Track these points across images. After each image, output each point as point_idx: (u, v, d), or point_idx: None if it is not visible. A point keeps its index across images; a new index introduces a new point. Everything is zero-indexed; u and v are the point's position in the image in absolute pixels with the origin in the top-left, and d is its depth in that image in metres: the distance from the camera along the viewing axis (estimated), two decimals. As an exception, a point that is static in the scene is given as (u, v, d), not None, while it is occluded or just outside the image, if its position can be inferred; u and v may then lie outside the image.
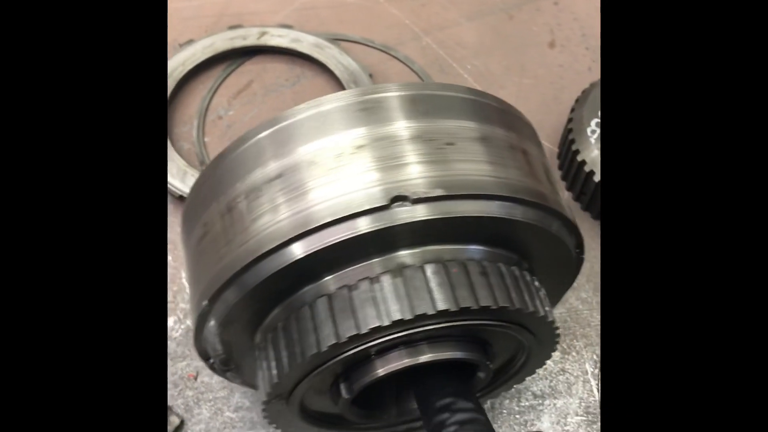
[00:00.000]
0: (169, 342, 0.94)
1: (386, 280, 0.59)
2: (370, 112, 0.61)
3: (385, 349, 0.62)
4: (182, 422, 0.88)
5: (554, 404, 0.89)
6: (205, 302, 0.62)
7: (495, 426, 0.86)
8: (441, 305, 0.58)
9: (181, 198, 1.04)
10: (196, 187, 0.67)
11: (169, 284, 0.98)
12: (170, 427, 0.87)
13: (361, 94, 0.62)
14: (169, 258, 1.01)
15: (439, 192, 0.58)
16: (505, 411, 0.89)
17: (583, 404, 0.89)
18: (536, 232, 0.64)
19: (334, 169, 0.59)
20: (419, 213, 0.58)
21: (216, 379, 0.91)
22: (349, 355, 0.60)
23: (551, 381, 0.91)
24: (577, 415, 0.88)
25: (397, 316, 0.58)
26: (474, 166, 0.61)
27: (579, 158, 1.00)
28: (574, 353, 0.93)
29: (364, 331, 0.58)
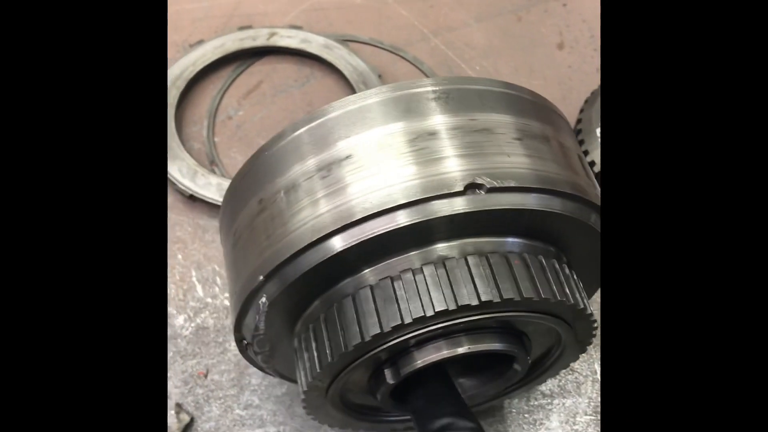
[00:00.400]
0: (179, 340, 0.94)
1: (428, 271, 0.60)
2: (407, 106, 0.62)
3: (424, 341, 0.63)
4: (192, 420, 0.88)
5: (563, 404, 0.89)
6: (261, 277, 0.62)
7: (504, 425, 0.87)
8: (484, 296, 0.58)
9: (191, 197, 1.04)
10: (235, 183, 0.68)
11: (180, 283, 0.99)
12: (180, 425, 0.87)
13: (397, 89, 0.63)
14: (179, 257, 1.01)
15: (511, 183, 0.59)
16: (514, 410, 0.89)
17: (592, 404, 0.89)
18: (574, 225, 0.64)
19: (374, 163, 0.59)
20: (459, 206, 0.58)
21: (226, 377, 0.91)
22: (390, 345, 0.61)
23: (560, 380, 0.91)
24: (586, 414, 0.89)
25: (441, 307, 0.58)
26: (512, 159, 0.61)
27: (588, 159, 1.00)
28: (583, 353, 0.93)
29: (408, 321, 0.58)
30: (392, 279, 0.60)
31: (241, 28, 1.24)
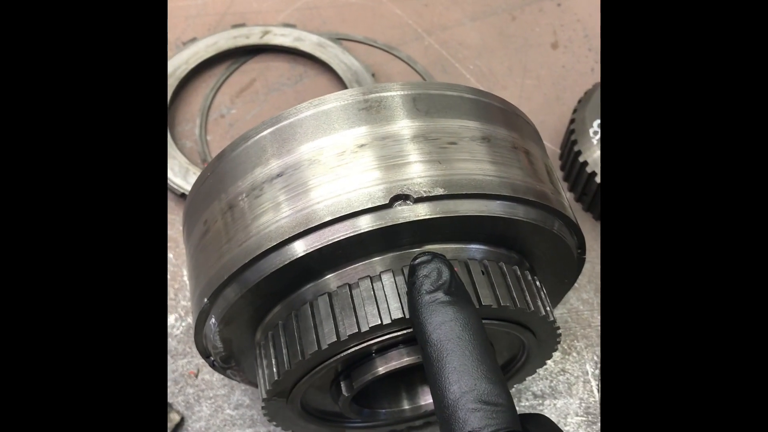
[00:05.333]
0: (170, 339, 0.94)
1: (387, 279, 0.59)
2: (372, 111, 0.61)
3: (385, 348, 0.63)
4: (182, 419, 0.88)
5: (554, 404, 0.89)
6: (205, 300, 0.62)
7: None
8: None
9: (183, 196, 1.04)
10: (198, 185, 0.67)
11: (171, 282, 0.98)
12: (170, 424, 0.87)
13: (363, 93, 0.62)
14: (170, 255, 1.01)
15: (440, 191, 0.58)
16: (504, 411, 0.89)
17: (583, 405, 0.89)
18: (538, 232, 0.64)
19: (336, 167, 0.59)
20: (420, 212, 0.58)
21: (216, 377, 0.91)
22: (349, 354, 0.60)
23: (551, 381, 0.91)
24: (577, 415, 0.88)
25: (398, 315, 0.58)
26: (476, 166, 0.60)
27: (581, 159, 1.00)
28: (574, 354, 0.93)
29: (364, 329, 0.58)
30: (350, 286, 0.60)
31: (235, 26, 1.24)
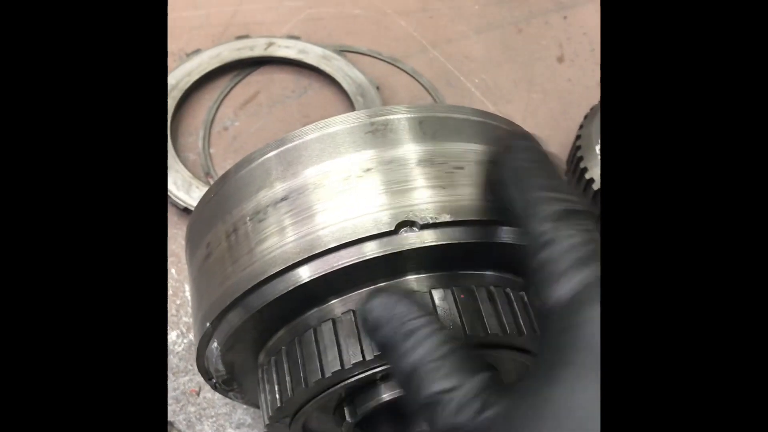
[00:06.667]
0: (171, 356, 0.93)
1: None
2: (378, 134, 0.60)
3: (390, 374, 0.61)
4: (183, 438, 0.87)
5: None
6: (208, 324, 0.61)
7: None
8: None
9: (186, 210, 1.03)
10: (201, 206, 0.66)
11: (173, 298, 0.97)
12: (172, 443, 0.86)
13: (369, 115, 0.61)
14: (173, 271, 1.00)
15: (446, 217, 0.57)
16: None
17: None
18: None
19: (342, 192, 0.58)
20: (427, 238, 0.57)
21: (218, 395, 0.90)
22: (353, 381, 0.59)
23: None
24: None
25: None
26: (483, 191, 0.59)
27: (587, 176, 0.99)
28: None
29: (369, 357, 0.57)
30: (355, 313, 0.59)
31: (239, 38, 1.23)
